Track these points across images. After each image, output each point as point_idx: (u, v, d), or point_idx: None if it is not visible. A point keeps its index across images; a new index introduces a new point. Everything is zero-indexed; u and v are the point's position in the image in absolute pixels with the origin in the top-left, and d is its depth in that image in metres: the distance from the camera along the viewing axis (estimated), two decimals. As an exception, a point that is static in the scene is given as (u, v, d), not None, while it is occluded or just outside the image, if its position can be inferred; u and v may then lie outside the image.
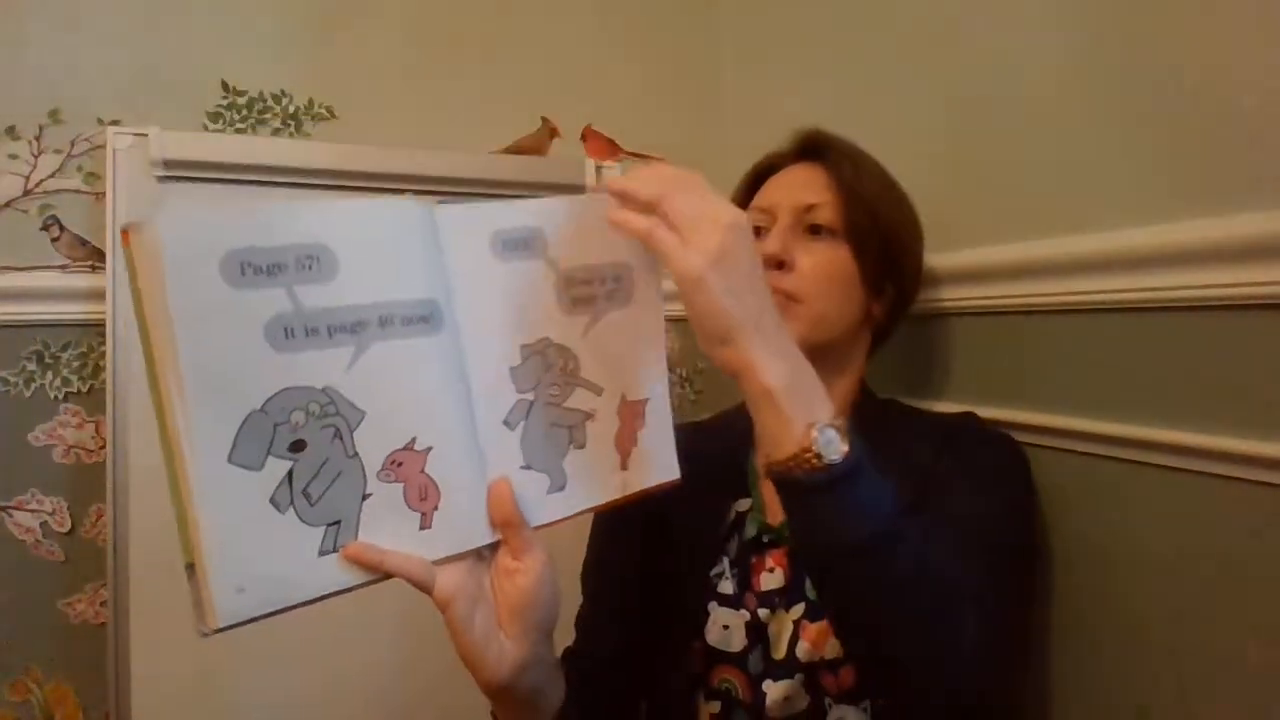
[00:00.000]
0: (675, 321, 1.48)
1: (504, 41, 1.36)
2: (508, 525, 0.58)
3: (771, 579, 0.77)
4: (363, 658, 1.18)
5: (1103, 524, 0.77)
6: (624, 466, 0.66)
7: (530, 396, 0.61)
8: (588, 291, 0.63)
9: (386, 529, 0.55)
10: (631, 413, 0.67)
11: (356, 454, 0.55)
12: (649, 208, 0.57)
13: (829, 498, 0.56)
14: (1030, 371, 0.85)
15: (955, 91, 0.95)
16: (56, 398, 1.13)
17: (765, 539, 0.79)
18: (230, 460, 0.52)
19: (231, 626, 0.52)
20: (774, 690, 0.73)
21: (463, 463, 0.58)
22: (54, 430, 1.13)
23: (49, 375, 1.13)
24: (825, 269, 0.78)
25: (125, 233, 0.47)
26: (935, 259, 0.94)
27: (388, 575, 0.54)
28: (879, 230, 0.80)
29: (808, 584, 0.75)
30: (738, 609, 0.77)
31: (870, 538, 0.56)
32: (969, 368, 0.93)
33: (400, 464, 0.56)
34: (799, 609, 0.75)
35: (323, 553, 0.54)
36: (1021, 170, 0.86)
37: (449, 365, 0.57)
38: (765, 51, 1.37)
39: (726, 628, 0.77)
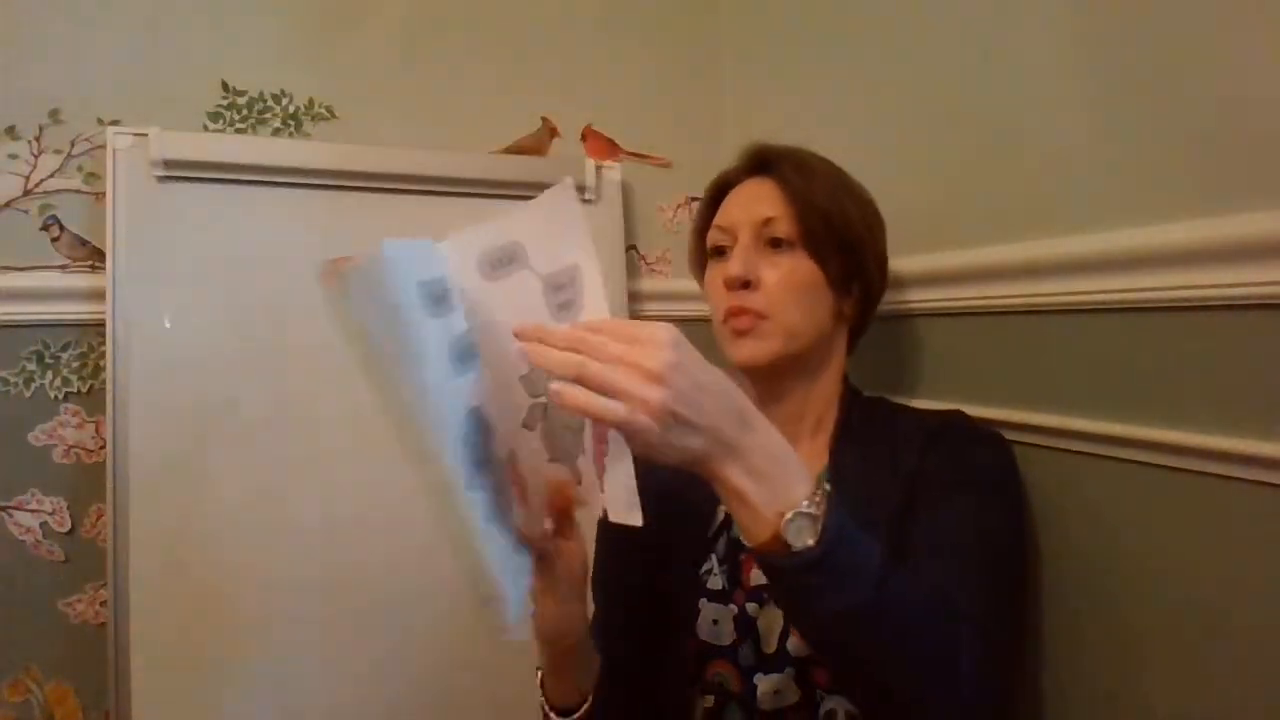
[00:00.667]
0: (676, 322, 1.48)
1: (504, 42, 1.36)
2: (564, 514, 0.67)
3: (761, 576, 0.78)
4: (363, 657, 1.18)
5: (1101, 524, 0.77)
6: (602, 489, 0.64)
7: (543, 400, 0.64)
8: (569, 296, 0.63)
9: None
10: (598, 435, 0.65)
11: (495, 459, 0.61)
12: (571, 349, 0.54)
13: (808, 578, 0.56)
14: (1028, 371, 0.85)
15: (955, 92, 0.95)
16: (56, 398, 1.13)
17: None
18: (467, 489, 0.56)
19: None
20: (765, 683, 0.75)
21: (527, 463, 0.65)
22: (54, 430, 1.13)
23: (49, 375, 1.13)
24: (789, 281, 0.79)
25: (329, 274, 0.51)
26: (934, 259, 0.94)
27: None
28: (835, 234, 0.81)
29: None
30: (726, 604, 0.78)
31: (854, 606, 0.57)
32: (965, 368, 0.93)
33: (513, 465, 0.64)
34: None
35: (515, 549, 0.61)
36: (1020, 170, 0.86)
37: (491, 384, 0.62)
38: (765, 52, 1.37)
39: (716, 622, 0.78)
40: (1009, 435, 0.84)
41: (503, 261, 0.61)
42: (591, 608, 0.89)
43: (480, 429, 0.59)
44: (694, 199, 1.49)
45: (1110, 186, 0.76)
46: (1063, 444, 0.80)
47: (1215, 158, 0.67)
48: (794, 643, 0.74)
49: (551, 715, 0.77)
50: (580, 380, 0.53)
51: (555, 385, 0.54)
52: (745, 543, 0.58)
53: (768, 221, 0.81)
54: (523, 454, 0.65)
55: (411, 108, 1.31)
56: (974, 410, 0.90)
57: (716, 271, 0.83)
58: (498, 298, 0.61)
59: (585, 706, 0.76)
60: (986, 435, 0.81)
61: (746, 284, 0.79)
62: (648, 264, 1.47)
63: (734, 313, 0.80)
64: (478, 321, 0.60)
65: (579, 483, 0.65)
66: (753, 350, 0.80)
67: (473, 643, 1.19)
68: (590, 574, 0.89)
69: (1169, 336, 0.70)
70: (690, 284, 1.57)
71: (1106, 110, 0.77)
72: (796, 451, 0.80)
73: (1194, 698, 0.69)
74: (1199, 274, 0.67)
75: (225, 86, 1.22)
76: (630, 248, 1.44)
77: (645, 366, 0.52)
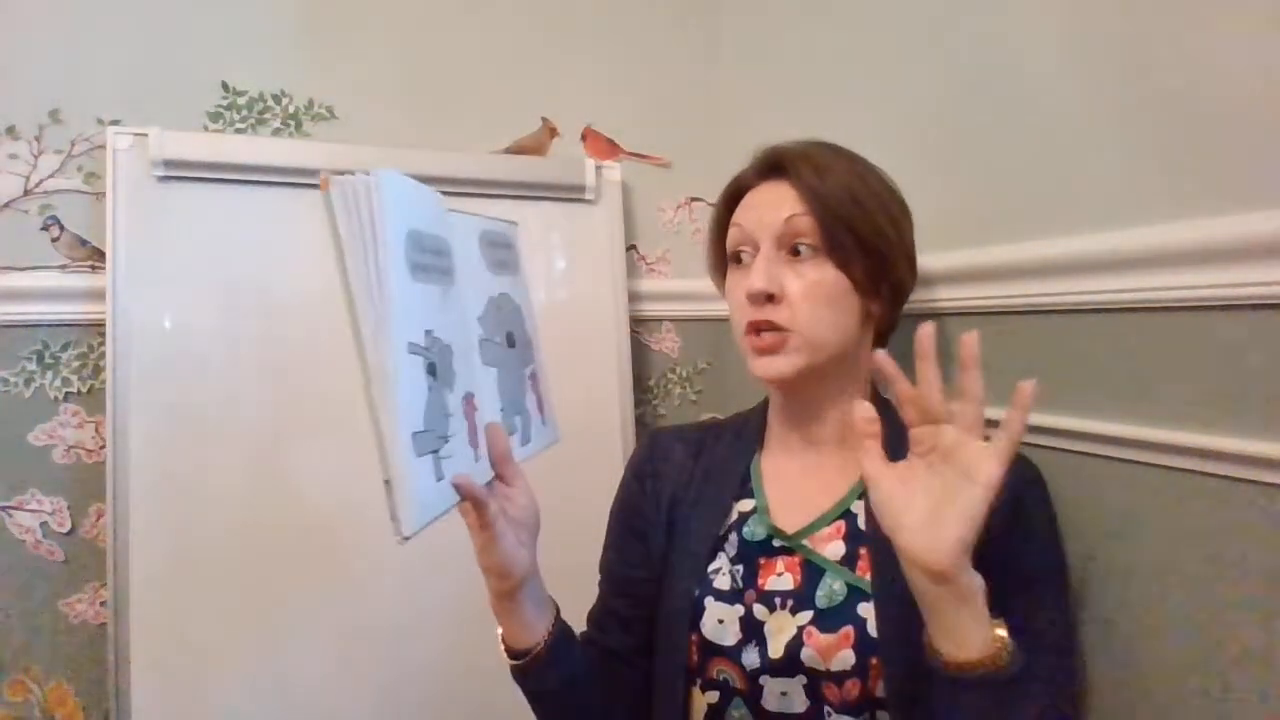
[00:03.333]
0: (676, 321, 1.48)
1: (504, 42, 1.36)
2: (504, 459, 0.71)
3: (780, 582, 0.77)
4: (364, 657, 1.18)
5: (1101, 523, 0.77)
6: (543, 422, 0.82)
7: (497, 340, 0.75)
8: (504, 255, 0.75)
9: (463, 460, 0.65)
10: (535, 379, 0.81)
11: (453, 388, 0.64)
12: None
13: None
14: (1028, 372, 0.84)
15: (955, 92, 0.95)
16: (56, 398, 1.13)
17: (776, 544, 0.79)
18: (411, 386, 0.59)
19: (418, 532, 0.58)
20: (772, 685, 0.74)
21: (483, 407, 0.70)
22: (54, 430, 1.13)
23: (49, 375, 1.13)
24: (814, 292, 0.77)
25: (325, 180, 0.56)
26: (934, 259, 0.94)
27: (470, 499, 0.65)
28: (860, 237, 0.77)
29: (818, 593, 0.75)
30: (733, 604, 0.78)
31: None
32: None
33: (469, 401, 0.67)
34: (806, 615, 0.75)
35: (439, 477, 0.61)
36: (1021, 170, 0.86)
37: (462, 314, 0.69)
38: (765, 52, 1.37)
39: (721, 621, 0.78)
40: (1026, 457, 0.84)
41: (496, 245, 0.73)
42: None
43: (440, 353, 0.63)
44: (694, 199, 1.49)
45: (1111, 186, 0.76)
46: (1063, 444, 0.80)
47: (1215, 158, 0.67)
48: (809, 654, 0.73)
49: (504, 652, 0.79)
50: None
51: None
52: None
53: (787, 229, 0.78)
54: (481, 395, 0.70)
55: (411, 108, 1.31)
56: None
57: (737, 281, 0.81)
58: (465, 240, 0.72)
59: (536, 651, 0.76)
60: (1030, 478, 0.77)
61: (770, 297, 0.77)
62: (648, 264, 1.47)
63: (757, 327, 0.78)
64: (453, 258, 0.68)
65: (529, 427, 0.76)
66: (778, 367, 0.78)
67: (475, 643, 1.19)
68: (599, 563, 0.91)
69: (1169, 336, 0.70)
70: (690, 284, 1.57)
71: (1107, 111, 0.77)
72: (828, 462, 0.83)
73: (1194, 695, 0.69)
74: (1199, 274, 0.67)
75: (225, 86, 1.22)
76: (630, 248, 1.44)
77: None
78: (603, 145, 1.42)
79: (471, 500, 0.65)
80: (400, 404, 0.56)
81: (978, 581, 0.61)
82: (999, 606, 0.69)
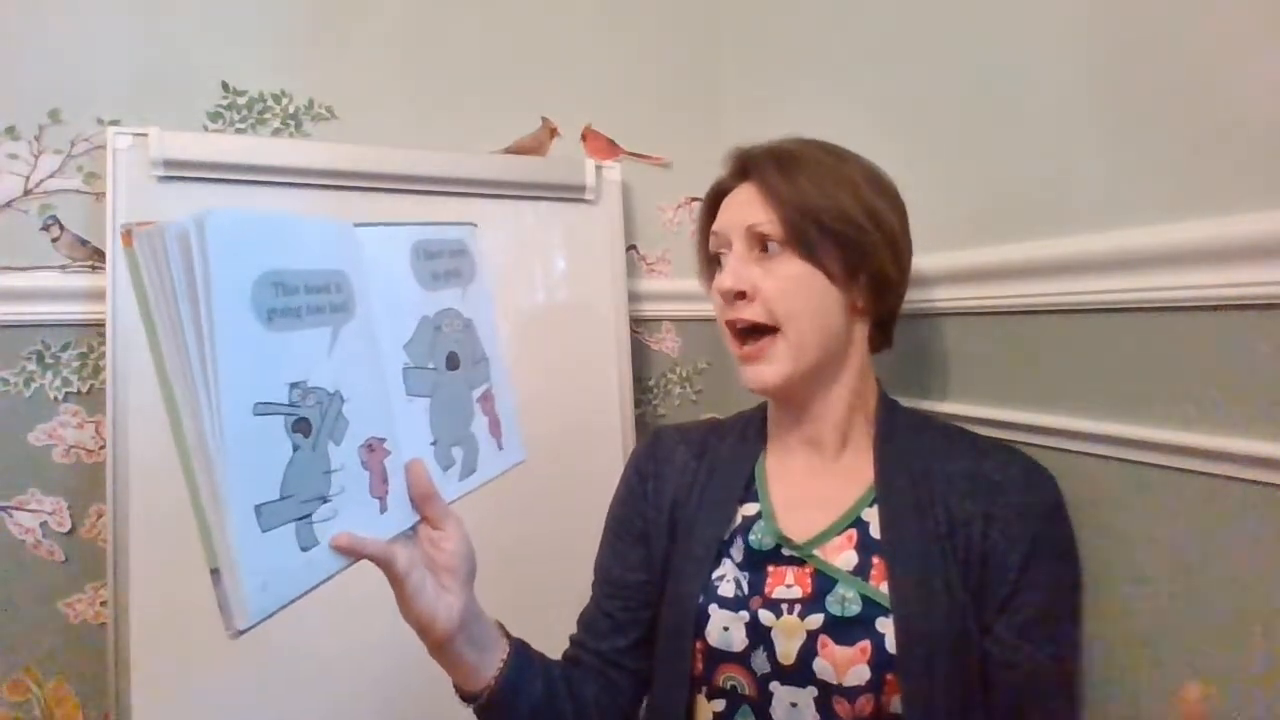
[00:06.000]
0: (676, 321, 1.48)
1: (504, 41, 1.36)
2: (426, 500, 0.65)
3: (789, 591, 0.76)
4: (366, 657, 1.18)
5: (1101, 524, 0.77)
6: (499, 446, 0.74)
7: (430, 366, 0.68)
8: (450, 265, 0.68)
9: (359, 516, 0.59)
10: (487, 400, 0.75)
11: (340, 440, 0.58)
12: None
13: None
14: (1029, 372, 0.85)
15: (955, 92, 0.95)
16: (56, 398, 1.13)
17: (786, 553, 0.78)
18: (258, 452, 0.52)
19: (260, 622, 0.52)
20: (782, 693, 0.73)
21: (401, 446, 0.64)
22: (54, 430, 1.13)
23: (49, 375, 1.13)
24: (784, 286, 0.77)
25: (127, 234, 0.49)
26: (936, 259, 0.94)
27: (365, 559, 0.59)
28: (825, 227, 0.76)
29: (829, 599, 0.74)
30: (738, 611, 0.77)
31: None
32: (969, 368, 0.93)
33: (373, 450, 0.60)
34: (817, 620, 0.74)
35: (307, 545, 0.55)
36: (1020, 170, 0.86)
37: (371, 348, 0.62)
38: (765, 52, 1.37)
39: (726, 629, 0.77)
40: (1009, 436, 0.84)
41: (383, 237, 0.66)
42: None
43: (318, 404, 0.56)
44: (694, 199, 1.49)
45: (1112, 186, 0.76)
46: (1064, 444, 0.80)
47: (1215, 158, 0.67)
48: (821, 664, 0.72)
49: (457, 696, 0.75)
50: None
51: None
52: None
53: (753, 228, 0.78)
54: (399, 434, 0.64)
55: (411, 108, 1.31)
56: (973, 410, 0.91)
57: (716, 282, 0.82)
58: (378, 266, 0.64)
59: (488, 693, 0.72)
60: (1051, 505, 0.76)
61: (741, 295, 0.78)
62: (648, 264, 1.47)
63: (734, 326, 0.79)
64: (360, 286, 0.62)
65: (468, 460, 0.71)
66: (765, 377, 0.78)
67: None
68: (594, 564, 0.89)
69: (1170, 336, 0.70)
70: (690, 284, 1.57)
71: (1108, 110, 0.77)
72: (832, 464, 0.83)
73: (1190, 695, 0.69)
74: (1199, 274, 0.67)
75: (225, 86, 1.21)
76: (630, 248, 1.44)
77: None
78: (603, 145, 1.42)
79: (367, 559, 0.60)
80: (230, 479, 0.50)
81: None
82: (1010, 634, 0.71)
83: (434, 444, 0.68)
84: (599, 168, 1.37)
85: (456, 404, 0.71)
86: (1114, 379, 0.76)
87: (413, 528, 0.66)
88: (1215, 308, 0.66)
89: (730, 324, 0.80)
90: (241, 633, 0.50)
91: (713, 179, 0.87)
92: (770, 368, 0.78)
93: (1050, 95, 0.82)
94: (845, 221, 0.77)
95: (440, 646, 0.68)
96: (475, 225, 0.77)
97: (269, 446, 0.53)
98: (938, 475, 0.77)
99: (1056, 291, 0.80)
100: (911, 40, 1.03)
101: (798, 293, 0.77)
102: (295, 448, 0.54)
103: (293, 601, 0.54)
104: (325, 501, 0.56)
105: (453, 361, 0.71)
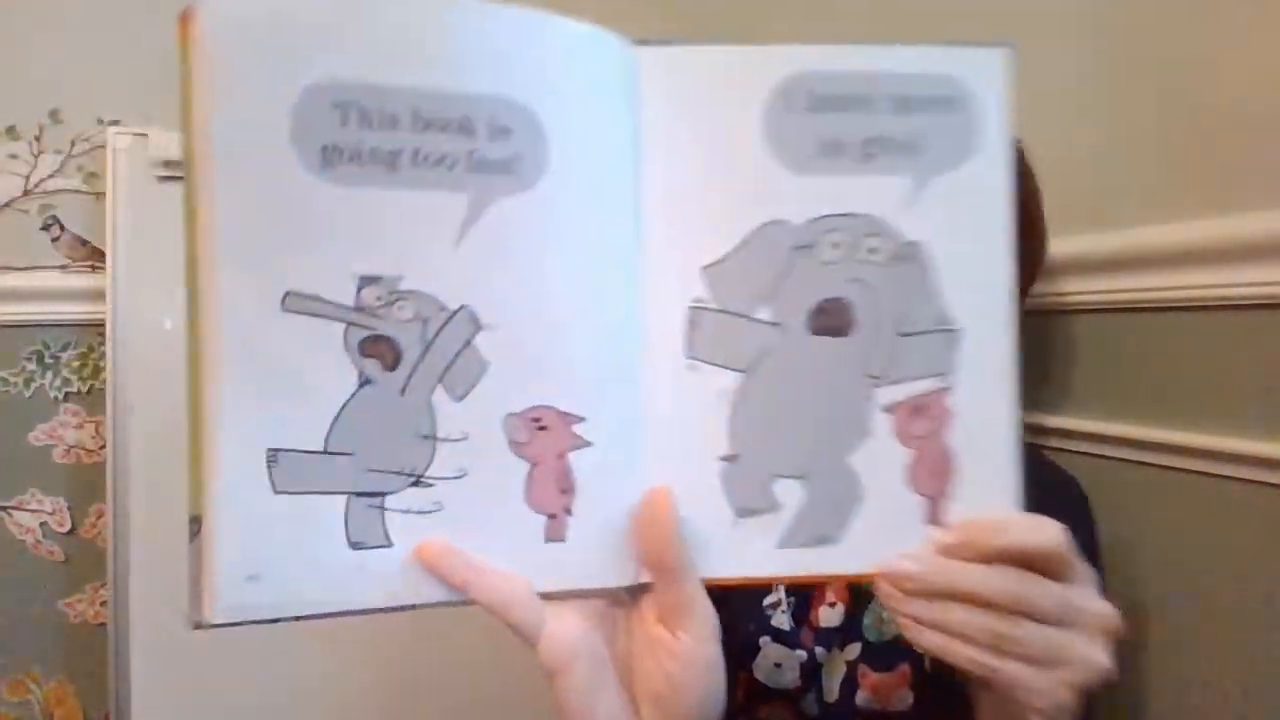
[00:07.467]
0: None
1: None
2: (661, 565, 0.37)
3: (832, 614, 0.72)
4: (367, 657, 1.18)
5: (1106, 526, 0.77)
6: (934, 519, 0.39)
7: (762, 318, 0.38)
8: (879, 127, 0.37)
9: (491, 530, 0.36)
10: (920, 413, 0.39)
11: (461, 394, 0.36)
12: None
13: None
14: (1029, 372, 0.85)
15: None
16: (56, 398, 1.13)
17: None
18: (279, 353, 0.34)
19: (232, 625, 0.35)
20: None
21: (621, 450, 0.37)
22: (54, 430, 1.13)
23: (49, 375, 1.13)
24: None
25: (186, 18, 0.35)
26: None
27: (467, 602, 0.36)
28: None
29: (865, 623, 0.71)
30: (794, 649, 0.71)
31: None
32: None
33: (544, 427, 0.36)
34: (855, 649, 0.71)
35: (361, 542, 0.36)
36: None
37: (576, 251, 0.36)
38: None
39: (779, 666, 0.71)
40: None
41: None
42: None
43: (417, 319, 0.35)
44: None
45: (1113, 186, 0.76)
46: (1064, 444, 0.80)
47: (1215, 158, 0.67)
48: (865, 697, 0.69)
49: None
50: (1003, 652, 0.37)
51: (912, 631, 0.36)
52: None
53: None
54: (635, 418, 0.38)
55: (411, 108, 1.31)
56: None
57: None
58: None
59: None
60: (1073, 498, 0.73)
61: None
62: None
63: None
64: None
65: (806, 517, 0.39)
66: None
67: (480, 644, 1.19)
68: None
69: (1171, 336, 0.70)
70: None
71: (1110, 110, 0.77)
72: None
73: (1193, 696, 0.69)
74: (1199, 274, 0.67)
75: (225, 86, 1.21)
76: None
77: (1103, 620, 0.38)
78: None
79: (483, 607, 0.37)
80: (227, 399, 0.33)
81: None
82: None
83: (730, 460, 0.38)
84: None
85: (818, 399, 0.39)
86: (1113, 379, 0.76)
87: (632, 591, 0.39)
88: (1215, 308, 0.66)
89: None
90: (201, 626, 0.34)
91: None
92: None
93: (1049, 95, 0.82)
94: None
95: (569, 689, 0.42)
96: (1012, 47, 0.42)
97: (309, 367, 0.34)
98: None
99: (1055, 292, 0.80)
100: (911, 40, 1.02)
101: None
102: (364, 381, 0.35)
103: (305, 618, 0.37)
104: (417, 483, 0.35)
105: (834, 317, 0.39)
